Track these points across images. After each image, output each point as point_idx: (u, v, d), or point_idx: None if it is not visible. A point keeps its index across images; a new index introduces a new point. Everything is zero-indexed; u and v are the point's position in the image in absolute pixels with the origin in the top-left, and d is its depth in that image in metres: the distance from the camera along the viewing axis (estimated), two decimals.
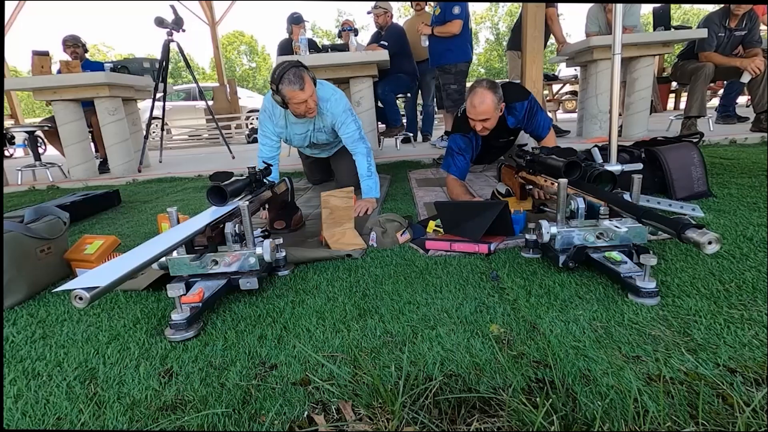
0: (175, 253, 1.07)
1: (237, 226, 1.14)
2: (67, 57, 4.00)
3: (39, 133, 4.05)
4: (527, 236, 1.27)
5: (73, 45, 3.98)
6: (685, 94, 3.92)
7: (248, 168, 1.42)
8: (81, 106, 3.71)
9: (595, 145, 1.96)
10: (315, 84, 1.85)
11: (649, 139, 2.04)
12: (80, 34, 4.06)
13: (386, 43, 3.87)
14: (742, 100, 5.77)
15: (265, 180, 1.50)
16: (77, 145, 3.73)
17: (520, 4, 3.91)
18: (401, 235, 1.46)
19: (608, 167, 1.60)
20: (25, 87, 3.68)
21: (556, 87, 7.79)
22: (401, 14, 19.02)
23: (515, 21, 4.43)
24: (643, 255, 0.93)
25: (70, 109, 3.62)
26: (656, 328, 0.83)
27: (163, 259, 1.05)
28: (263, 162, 1.75)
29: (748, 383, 0.66)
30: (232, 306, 1.08)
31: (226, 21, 9.43)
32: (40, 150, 4.95)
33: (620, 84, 2.21)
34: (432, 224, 1.49)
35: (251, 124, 8.96)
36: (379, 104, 4.06)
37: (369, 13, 4.22)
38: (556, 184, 1.17)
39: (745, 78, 3.50)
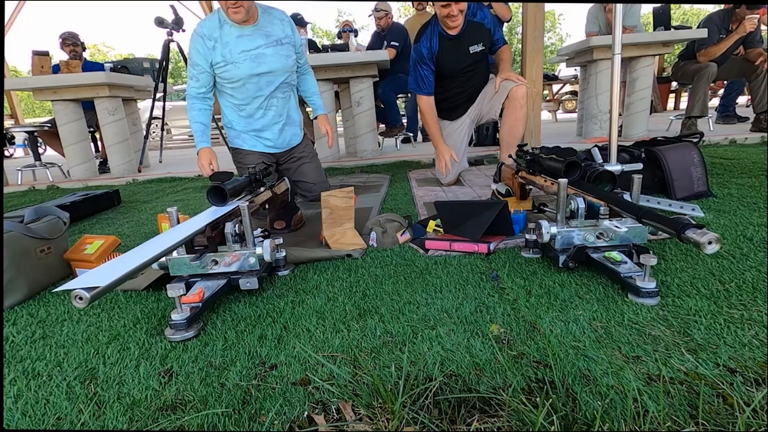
0: (175, 253, 1.07)
1: (237, 226, 1.14)
2: (65, 55, 3.99)
3: (36, 133, 4.04)
4: (527, 236, 1.27)
5: (72, 44, 3.96)
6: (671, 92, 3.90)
7: (248, 168, 1.42)
8: (81, 107, 3.71)
9: (595, 145, 1.95)
10: None
11: (649, 139, 2.04)
12: (80, 34, 4.04)
13: (397, 43, 3.88)
14: (742, 100, 5.78)
15: (264, 180, 1.50)
16: (77, 145, 3.73)
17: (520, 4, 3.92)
18: (401, 235, 1.46)
19: (608, 167, 1.60)
20: (25, 87, 3.68)
21: (556, 87, 7.80)
22: (401, 14, 19.02)
23: None
24: (643, 255, 0.93)
25: (70, 109, 3.62)
26: (656, 328, 0.83)
27: (163, 259, 1.05)
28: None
29: (748, 383, 0.66)
30: (232, 306, 1.08)
31: None
32: (40, 150, 4.95)
33: (620, 84, 2.21)
34: (432, 224, 1.49)
35: None
36: (380, 104, 4.06)
37: (370, 15, 4.22)
38: (556, 184, 1.17)
39: None
